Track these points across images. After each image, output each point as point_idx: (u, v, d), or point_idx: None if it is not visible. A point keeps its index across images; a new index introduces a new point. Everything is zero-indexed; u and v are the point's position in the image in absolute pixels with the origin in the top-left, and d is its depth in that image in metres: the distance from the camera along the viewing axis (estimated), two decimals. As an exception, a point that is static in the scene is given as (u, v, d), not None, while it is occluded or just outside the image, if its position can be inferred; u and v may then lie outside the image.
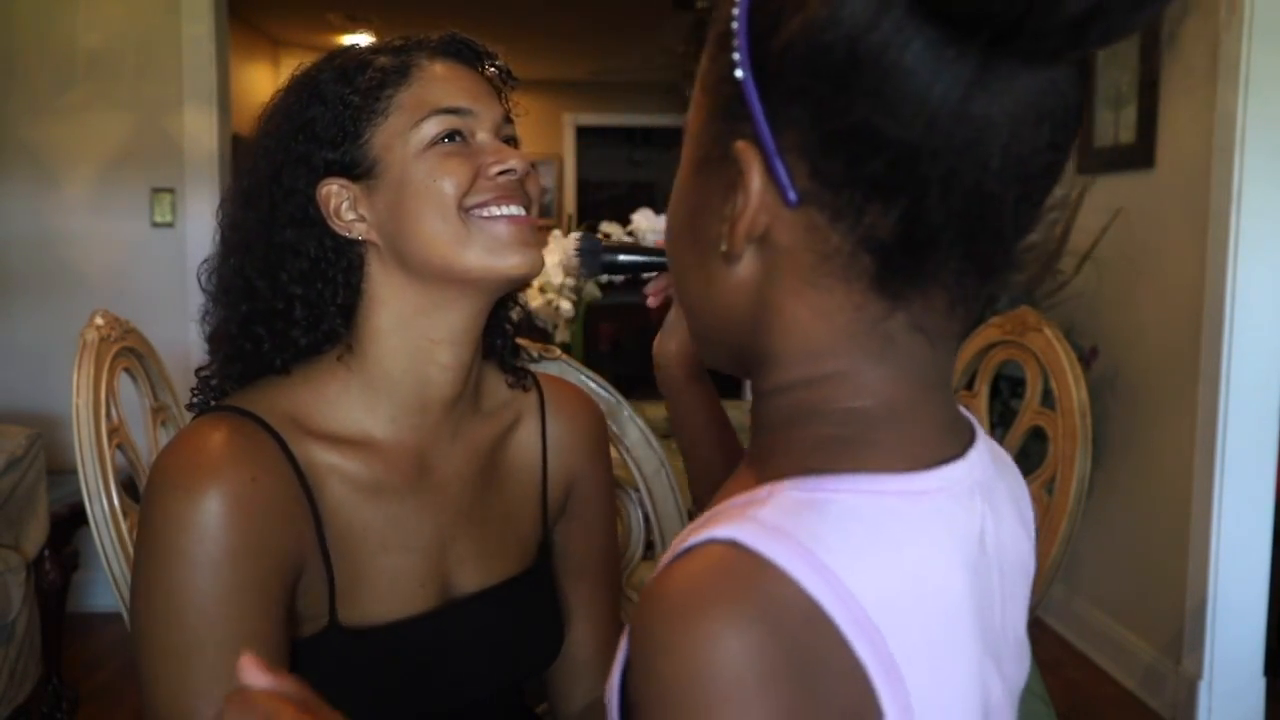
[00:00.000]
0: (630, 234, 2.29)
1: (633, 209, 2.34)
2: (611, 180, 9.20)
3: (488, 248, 0.88)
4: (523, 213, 0.90)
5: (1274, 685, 2.63)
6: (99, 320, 1.34)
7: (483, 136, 0.91)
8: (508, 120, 0.94)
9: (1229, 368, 2.50)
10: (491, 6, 5.10)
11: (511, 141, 0.94)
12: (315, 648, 0.88)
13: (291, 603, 0.86)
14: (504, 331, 1.05)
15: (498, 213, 0.89)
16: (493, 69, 0.97)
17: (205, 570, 0.80)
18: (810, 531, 0.46)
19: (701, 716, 0.42)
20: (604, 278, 0.94)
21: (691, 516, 1.72)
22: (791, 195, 0.49)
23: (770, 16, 0.48)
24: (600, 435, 1.11)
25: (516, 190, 0.90)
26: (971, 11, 0.43)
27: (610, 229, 2.30)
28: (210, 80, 3.40)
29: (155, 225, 3.43)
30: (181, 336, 3.32)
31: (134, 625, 0.84)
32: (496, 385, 1.04)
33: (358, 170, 0.89)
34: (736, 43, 0.49)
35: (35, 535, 2.43)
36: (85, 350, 1.30)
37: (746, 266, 0.53)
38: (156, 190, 3.42)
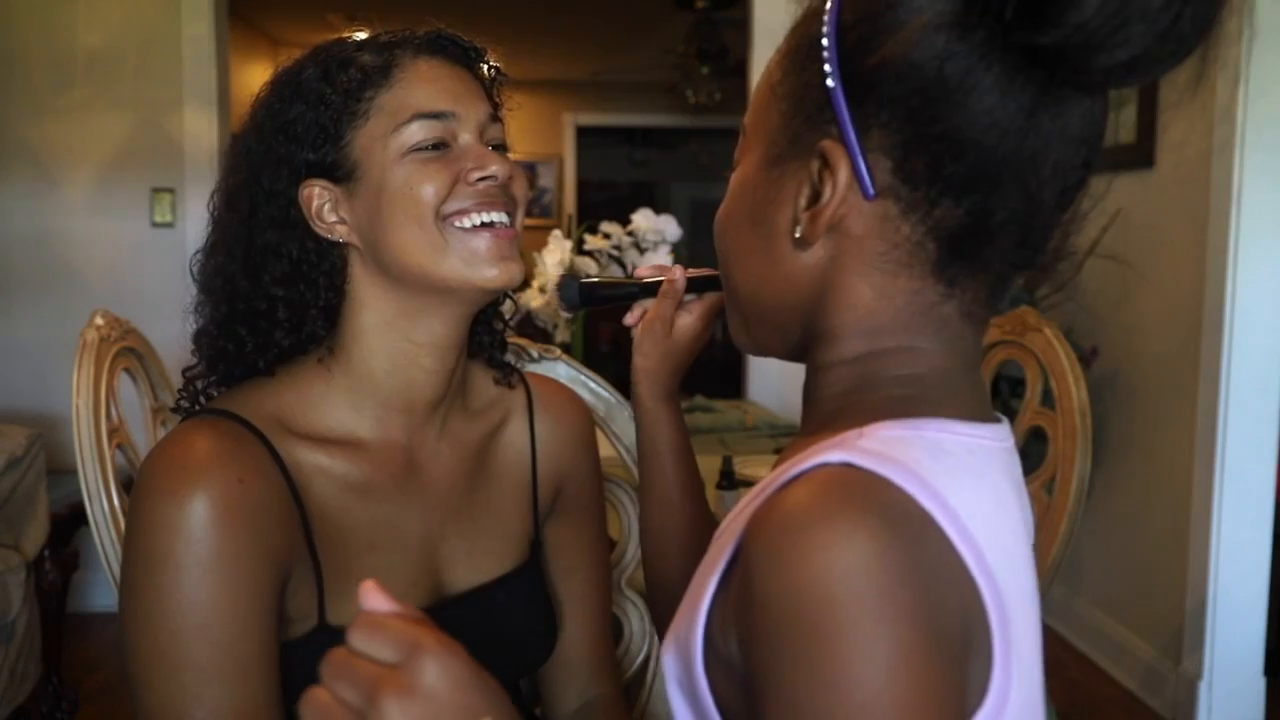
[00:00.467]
0: (630, 233, 2.29)
1: (633, 209, 2.34)
2: (611, 180, 9.20)
3: (464, 259, 0.87)
4: (504, 219, 0.89)
5: (1274, 685, 2.63)
6: (99, 320, 1.34)
7: (465, 139, 0.89)
8: (494, 120, 0.92)
9: (1229, 368, 2.50)
10: (491, 6, 5.10)
11: (498, 145, 0.93)
12: (304, 648, 0.87)
13: (281, 604, 0.86)
14: (492, 328, 1.04)
15: (477, 221, 0.88)
16: (482, 66, 0.95)
17: (192, 574, 0.80)
18: (911, 456, 0.52)
19: (842, 616, 0.46)
20: (584, 311, 0.97)
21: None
22: (871, 190, 0.56)
23: (860, 37, 0.56)
24: (588, 434, 1.11)
25: (498, 196, 0.89)
26: (1044, 50, 0.52)
27: (610, 229, 2.30)
28: (210, 80, 3.40)
29: (155, 225, 3.43)
30: (182, 336, 3.30)
31: (124, 629, 0.84)
32: (484, 384, 1.04)
33: (339, 173, 0.88)
34: (827, 56, 0.57)
35: (35, 535, 2.43)
36: (85, 350, 1.30)
37: (815, 251, 0.59)
38: (156, 190, 3.42)
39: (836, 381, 0.61)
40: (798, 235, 0.59)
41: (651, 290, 0.93)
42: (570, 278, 0.95)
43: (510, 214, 0.90)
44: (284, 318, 0.89)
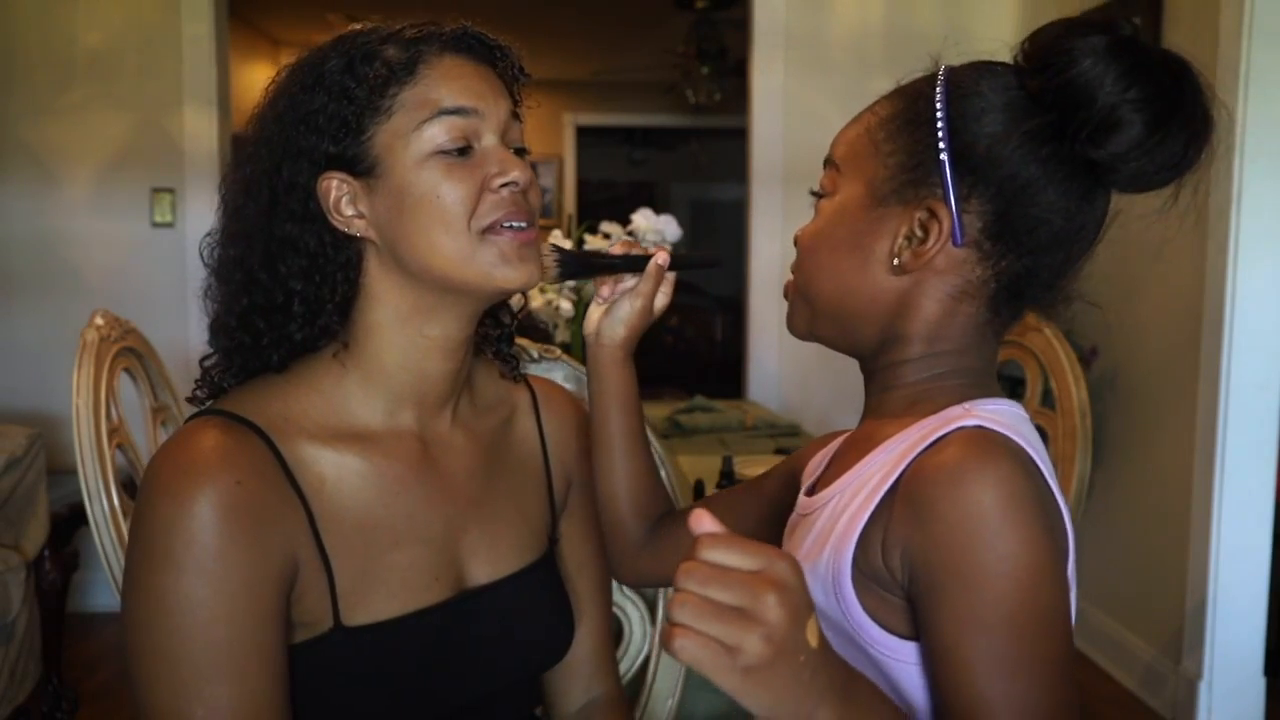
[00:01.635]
0: (630, 234, 2.29)
1: (633, 209, 2.34)
2: (611, 180, 9.20)
3: (490, 262, 0.88)
4: (525, 225, 0.90)
5: (1274, 685, 2.63)
6: (99, 320, 1.34)
7: (488, 140, 0.89)
8: (515, 118, 0.93)
9: (1229, 368, 2.50)
10: (492, 6, 5.09)
11: (519, 148, 0.93)
12: (317, 651, 0.87)
13: (286, 607, 0.86)
14: (499, 321, 1.05)
15: (503, 228, 0.88)
16: (506, 65, 0.95)
17: (194, 574, 0.81)
18: (1010, 425, 0.72)
19: (1002, 523, 0.66)
20: (571, 283, 1.01)
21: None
22: (960, 239, 0.76)
23: (967, 130, 0.75)
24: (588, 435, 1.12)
25: (522, 203, 0.90)
26: (1095, 162, 0.74)
27: (610, 229, 2.30)
28: (210, 80, 3.41)
29: (155, 225, 3.43)
30: (181, 336, 3.32)
31: (126, 629, 0.84)
32: (489, 379, 1.05)
33: (359, 167, 0.88)
34: (942, 140, 0.75)
35: (35, 535, 2.43)
36: (85, 350, 1.30)
37: (904, 277, 0.78)
38: (156, 190, 3.42)
39: (907, 377, 0.80)
40: (896, 264, 0.77)
41: (634, 265, 0.96)
42: (553, 246, 0.96)
43: (530, 221, 0.91)
44: (299, 311, 0.89)
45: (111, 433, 1.30)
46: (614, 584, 1.18)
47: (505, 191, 0.88)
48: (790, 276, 0.86)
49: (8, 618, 2.24)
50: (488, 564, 0.98)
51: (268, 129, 0.91)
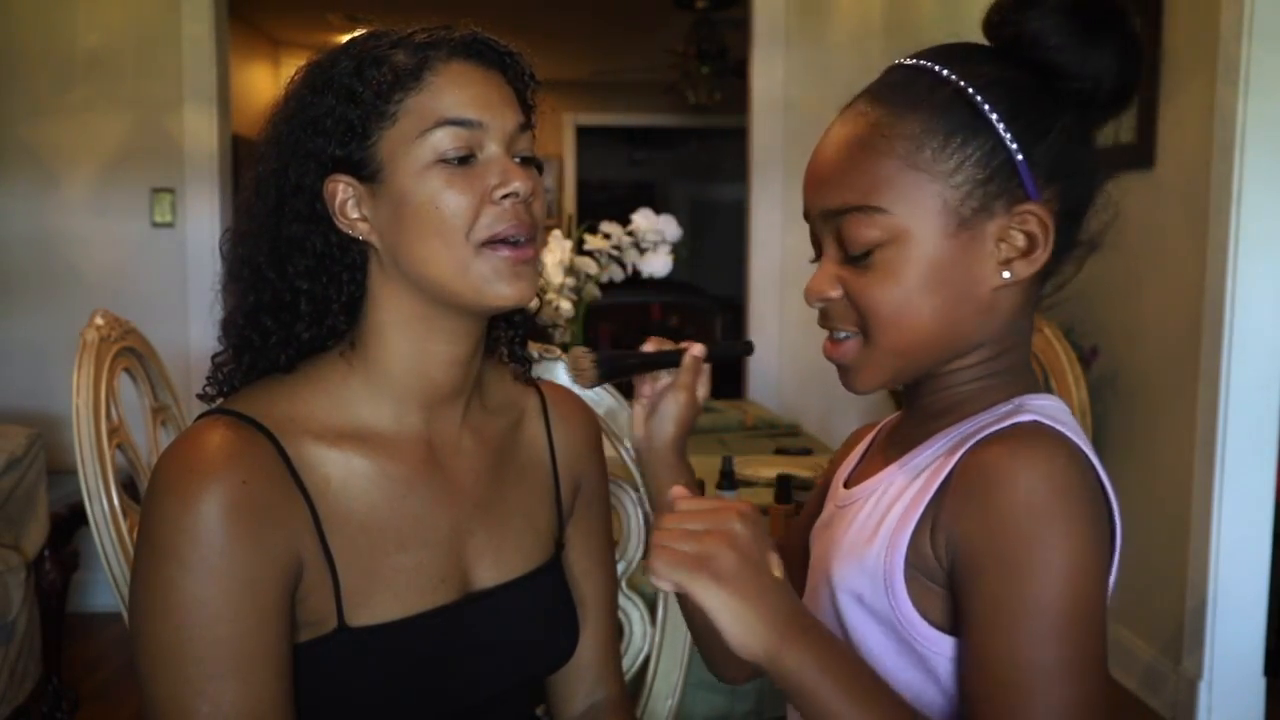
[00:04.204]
0: (630, 233, 2.29)
1: (633, 209, 2.34)
2: (611, 180, 9.20)
3: (483, 277, 0.88)
4: (522, 240, 0.89)
5: (1274, 685, 2.63)
6: (99, 320, 1.34)
7: (492, 150, 0.89)
8: (524, 129, 0.92)
9: (1229, 368, 2.50)
10: (492, 6, 5.10)
11: (527, 158, 0.92)
12: (321, 650, 0.88)
13: (291, 606, 0.86)
14: (511, 322, 1.05)
15: (500, 244, 0.88)
16: (514, 70, 0.94)
17: (198, 571, 0.82)
18: (1061, 418, 0.74)
19: (1054, 512, 0.69)
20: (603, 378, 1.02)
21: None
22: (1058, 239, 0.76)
23: (1016, 113, 0.75)
24: (598, 439, 1.12)
25: (524, 215, 0.89)
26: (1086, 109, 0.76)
27: (610, 229, 2.30)
28: (210, 80, 3.41)
29: (155, 225, 3.43)
30: (181, 336, 3.32)
31: (132, 624, 0.85)
32: (499, 382, 1.05)
33: (364, 171, 0.89)
34: (1006, 132, 0.74)
35: (35, 535, 2.43)
36: (85, 350, 1.30)
37: (1012, 291, 0.77)
38: (156, 190, 3.42)
39: (965, 377, 0.79)
40: (1008, 277, 0.76)
41: (669, 360, 0.95)
42: (587, 350, 0.95)
43: (530, 235, 0.90)
44: (306, 311, 0.90)
45: (111, 433, 1.30)
46: (616, 589, 1.18)
47: (506, 203, 0.88)
48: (844, 335, 0.80)
49: (8, 618, 2.24)
50: (493, 567, 0.98)
51: (278, 129, 0.91)
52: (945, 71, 0.75)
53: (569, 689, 1.09)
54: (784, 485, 1.71)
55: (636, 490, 1.40)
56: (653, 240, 2.27)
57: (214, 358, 0.96)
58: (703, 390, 0.97)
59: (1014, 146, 0.74)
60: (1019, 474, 0.69)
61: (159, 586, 0.82)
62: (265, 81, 6.36)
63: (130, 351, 1.41)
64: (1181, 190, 2.67)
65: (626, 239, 2.28)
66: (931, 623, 0.74)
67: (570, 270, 2.22)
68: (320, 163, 0.89)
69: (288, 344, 0.91)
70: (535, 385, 1.09)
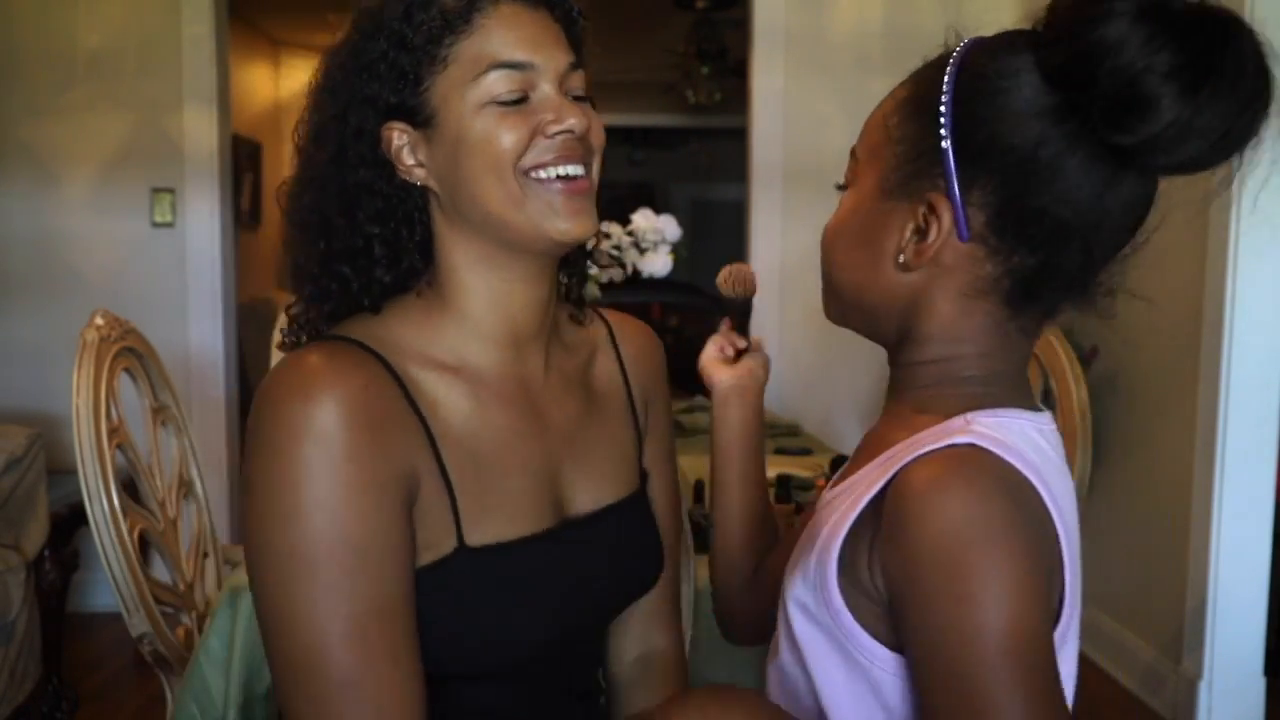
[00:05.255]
0: (630, 233, 2.29)
1: (633, 209, 2.34)
2: (611, 180, 9.15)
3: (540, 212, 0.88)
4: (580, 171, 0.90)
5: (1274, 685, 2.63)
6: (99, 320, 1.34)
7: (545, 89, 0.89)
8: (574, 67, 0.92)
9: (1229, 368, 2.50)
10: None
11: (579, 96, 0.92)
12: (445, 570, 0.87)
13: (410, 521, 0.86)
14: (576, 266, 1.05)
15: (553, 174, 0.88)
16: (562, 10, 0.94)
17: (325, 473, 0.80)
18: (1010, 443, 0.68)
19: (978, 550, 0.63)
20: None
21: (692, 518, 1.71)
22: (966, 235, 0.71)
23: (972, 113, 0.69)
24: (663, 363, 1.14)
25: (575, 148, 0.89)
26: (1121, 148, 0.65)
27: (610, 229, 2.30)
28: (210, 80, 3.40)
29: (155, 225, 3.43)
30: (181, 336, 3.32)
31: (253, 538, 0.83)
32: (569, 321, 1.06)
33: (418, 117, 0.89)
34: (944, 125, 0.70)
35: (35, 535, 2.43)
36: (85, 350, 1.30)
37: (914, 274, 0.74)
38: (156, 190, 3.41)
39: (923, 378, 0.76)
40: (901, 261, 0.74)
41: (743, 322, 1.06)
42: (753, 272, 1.06)
43: (587, 165, 0.91)
44: (381, 255, 0.90)
45: (111, 433, 1.30)
46: (681, 523, 1.19)
47: (560, 138, 0.88)
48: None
49: (8, 618, 2.24)
50: (588, 496, 0.99)
51: (333, 76, 0.92)
52: (961, 48, 0.73)
53: (623, 629, 1.08)
54: (784, 485, 1.71)
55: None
56: (653, 240, 2.27)
57: (287, 309, 0.95)
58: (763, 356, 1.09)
59: (943, 134, 0.70)
60: (935, 506, 0.64)
61: (286, 491, 0.81)
62: (265, 81, 6.35)
63: (130, 351, 1.41)
64: (1181, 190, 2.67)
65: (626, 239, 2.28)
66: (876, 636, 0.71)
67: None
68: (376, 108, 0.89)
69: (369, 288, 0.91)
70: (600, 317, 1.10)
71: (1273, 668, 2.65)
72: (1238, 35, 0.62)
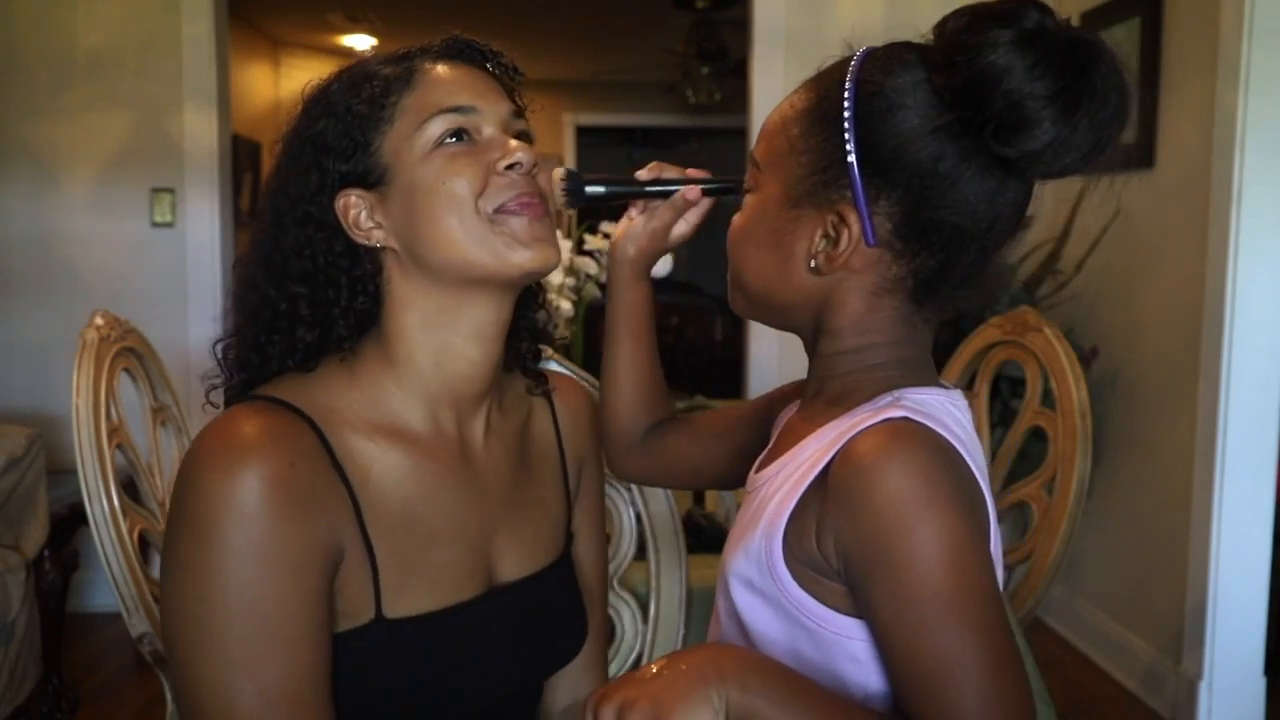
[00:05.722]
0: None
1: (633, 209, 2.34)
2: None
3: (504, 243, 0.89)
4: (536, 202, 0.91)
5: (1274, 685, 2.63)
6: (99, 320, 1.34)
7: (489, 130, 0.92)
8: (517, 115, 0.95)
9: (1229, 368, 2.50)
10: (492, 7, 5.10)
11: (524, 136, 0.94)
12: (358, 641, 0.88)
13: (331, 593, 0.86)
14: (529, 334, 1.06)
15: (514, 206, 0.90)
16: (499, 68, 0.97)
17: (244, 551, 0.80)
18: (934, 415, 0.74)
19: (922, 510, 0.69)
20: (583, 211, 1.03)
21: (691, 517, 1.71)
22: (872, 241, 0.76)
23: (874, 128, 0.75)
24: (596, 423, 1.13)
25: (529, 184, 0.91)
26: (1011, 158, 0.72)
27: (611, 229, 2.30)
28: (210, 80, 3.40)
29: (155, 225, 3.43)
30: (181, 336, 3.32)
31: (168, 607, 0.84)
32: (511, 382, 1.06)
33: (371, 179, 0.90)
34: (849, 139, 0.75)
35: (35, 535, 2.43)
36: (85, 350, 1.30)
37: (824, 277, 0.79)
38: (156, 190, 3.42)
39: (841, 367, 0.81)
40: (813, 266, 0.78)
41: (660, 195, 0.97)
42: (573, 171, 0.95)
43: (541, 201, 0.92)
44: (306, 314, 0.91)
45: (111, 433, 1.30)
46: (606, 585, 1.18)
47: (511, 173, 0.90)
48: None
49: (8, 618, 2.24)
50: (515, 563, 0.99)
51: (278, 159, 0.94)
52: (855, 63, 0.78)
53: (555, 685, 1.09)
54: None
55: (628, 489, 1.40)
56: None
57: (207, 389, 0.96)
58: (683, 227, 0.98)
59: (849, 149, 0.75)
60: (882, 474, 0.70)
61: (201, 567, 0.81)
62: (265, 81, 6.36)
63: (130, 351, 1.41)
64: (1181, 190, 2.67)
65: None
66: (822, 601, 0.74)
67: (570, 270, 2.22)
68: (324, 176, 0.90)
69: (294, 350, 0.91)
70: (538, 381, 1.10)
71: (1273, 668, 2.65)
72: (1101, 59, 0.71)
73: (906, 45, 0.78)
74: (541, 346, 1.09)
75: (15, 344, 3.39)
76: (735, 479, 0.98)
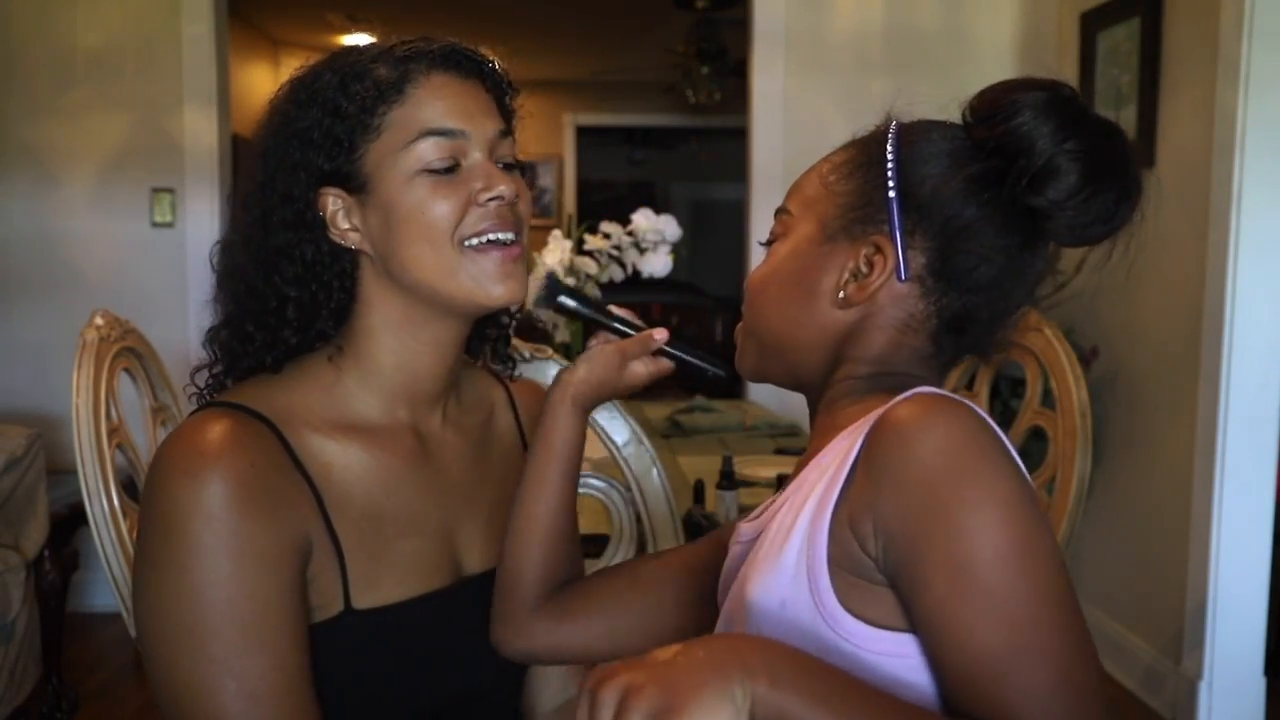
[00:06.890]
0: (630, 233, 2.29)
1: (632, 209, 2.34)
2: (611, 180, 9.20)
3: (474, 277, 0.91)
4: (513, 237, 0.92)
5: (1274, 685, 2.63)
6: (99, 320, 1.34)
7: (475, 156, 0.92)
8: (504, 135, 0.95)
9: (1229, 368, 2.50)
10: (492, 6, 5.10)
11: (509, 163, 0.95)
12: (329, 633, 0.89)
13: (304, 585, 0.88)
14: (499, 322, 1.08)
15: (488, 239, 0.91)
16: (496, 79, 0.97)
17: (214, 551, 0.83)
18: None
19: (976, 463, 0.66)
20: (552, 313, 1.01)
21: (691, 517, 1.71)
22: (905, 274, 0.79)
23: (915, 173, 0.79)
24: None
25: (508, 215, 0.92)
26: (1040, 207, 0.76)
27: (610, 229, 2.30)
28: (210, 80, 3.40)
29: (155, 225, 3.43)
30: (181, 336, 3.31)
31: (143, 612, 0.86)
32: (468, 380, 1.08)
33: (352, 183, 0.91)
34: (892, 181, 0.79)
35: (35, 535, 2.43)
36: (85, 350, 1.30)
37: (850, 310, 0.81)
38: (156, 190, 3.42)
39: (854, 389, 0.81)
40: (842, 297, 0.80)
41: (623, 333, 0.96)
42: (554, 276, 0.97)
43: (518, 231, 0.93)
44: (293, 317, 0.92)
45: (111, 433, 1.30)
46: None
47: (492, 205, 0.91)
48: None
49: (8, 618, 2.24)
50: (481, 555, 1.01)
51: (265, 143, 0.94)
52: (896, 121, 0.83)
53: (541, 683, 1.10)
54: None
55: (627, 489, 1.40)
56: (653, 240, 2.27)
57: (193, 374, 0.98)
58: (640, 369, 0.95)
59: (891, 183, 0.79)
60: (926, 435, 0.67)
61: (174, 569, 0.83)
62: (265, 81, 6.35)
63: (130, 351, 1.41)
64: (1181, 190, 2.67)
65: (626, 239, 2.28)
66: (867, 620, 0.69)
67: (570, 270, 2.22)
68: (309, 175, 0.91)
69: (273, 347, 0.93)
70: (499, 379, 1.12)
71: (1273, 668, 2.65)
72: (1124, 136, 0.77)
73: (942, 120, 0.83)
74: (541, 347, 1.10)
75: (15, 344, 3.39)
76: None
